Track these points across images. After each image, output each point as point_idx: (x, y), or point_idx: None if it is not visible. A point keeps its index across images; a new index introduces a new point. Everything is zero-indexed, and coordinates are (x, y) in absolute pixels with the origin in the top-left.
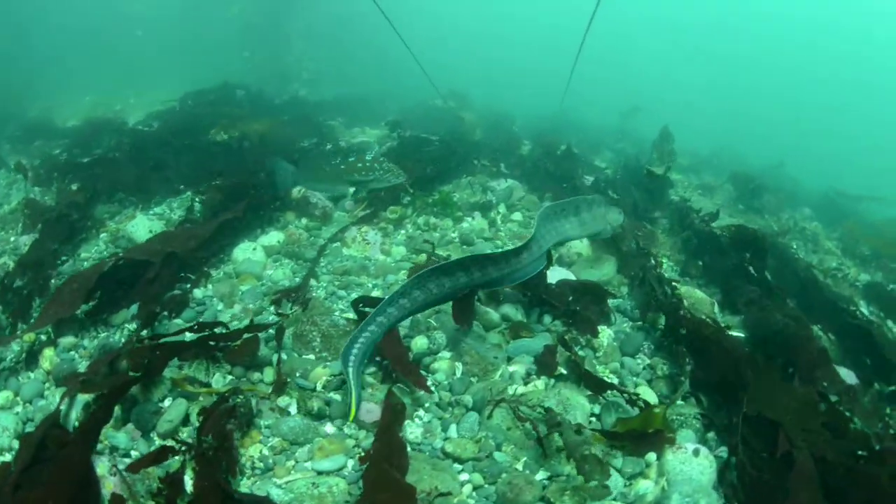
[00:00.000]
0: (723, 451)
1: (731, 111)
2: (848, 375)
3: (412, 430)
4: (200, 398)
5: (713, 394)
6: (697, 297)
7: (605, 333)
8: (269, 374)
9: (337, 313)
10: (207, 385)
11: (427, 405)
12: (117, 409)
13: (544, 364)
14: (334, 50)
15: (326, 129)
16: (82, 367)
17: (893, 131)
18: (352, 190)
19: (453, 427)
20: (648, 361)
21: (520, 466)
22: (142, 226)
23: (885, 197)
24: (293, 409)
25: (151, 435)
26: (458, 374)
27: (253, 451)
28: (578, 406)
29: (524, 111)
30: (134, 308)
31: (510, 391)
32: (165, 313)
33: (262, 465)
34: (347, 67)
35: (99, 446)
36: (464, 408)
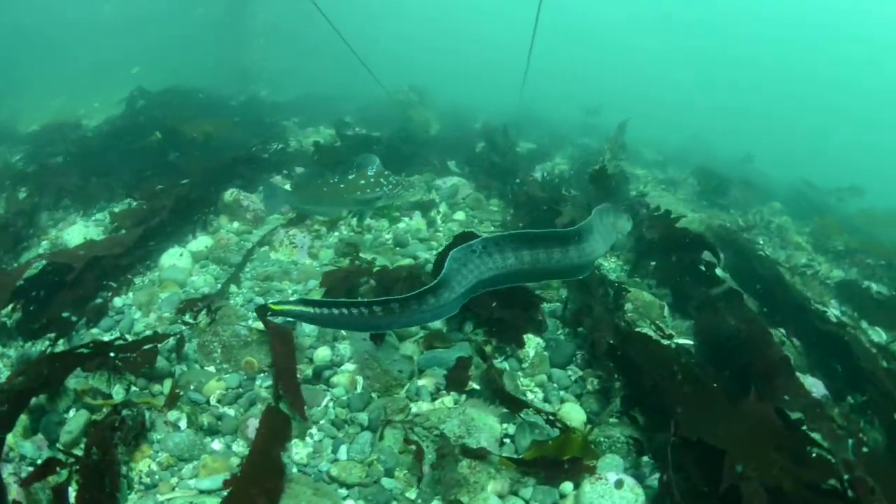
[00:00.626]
0: (656, 481)
1: (709, 107)
2: (815, 386)
3: (299, 451)
4: (104, 409)
5: (650, 412)
6: (646, 301)
7: (533, 343)
8: (168, 386)
9: (251, 321)
10: (109, 396)
11: (321, 422)
12: (26, 419)
13: (454, 379)
14: (298, 48)
15: (279, 129)
16: (4, 376)
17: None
18: (353, 217)
19: (344, 448)
20: (580, 374)
21: (411, 495)
22: (77, 233)
23: (853, 187)
24: (183, 424)
25: (58, 445)
26: (359, 388)
27: (143, 465)
28: (485, 428)
29: (496, 107)
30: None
31: (414, 409)
32: (84, 321)
33: (148, 480)
34: (312, 65)
35: (12, 454)
36: (358, 427)
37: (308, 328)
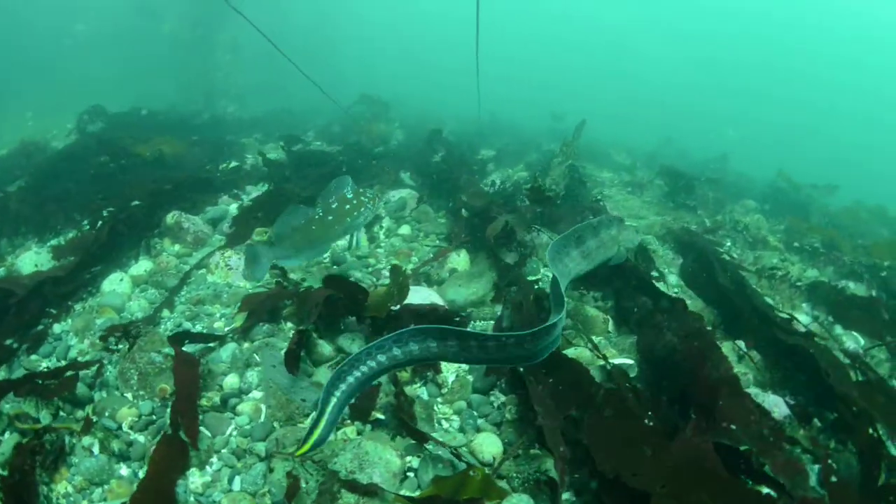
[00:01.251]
0: None
1: (689, 109)
2: (777, 405)
3: (195, 480)
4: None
5: (572, 445)
6: (588, 315)
7: (454, 366)
8: (89, 411)
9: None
10: (38, 421)
11: (222, 451)
12: None
13: (358, 408)
14: (266, 63)
15: (238, 147)
16: None
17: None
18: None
19: (238, 479)
20: (503, 399)
21: None
22: (29, 260)
23: (829, 185)
24: (96, 449)
25: None
26: (262, 418)
27: (61, 487)
28: (380, 462)
29: (469, 115)
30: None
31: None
32: (24, 348)
33: (65, 501)
34: (281, 80)
35: None
36: (256, 457)
37: (225, 354)
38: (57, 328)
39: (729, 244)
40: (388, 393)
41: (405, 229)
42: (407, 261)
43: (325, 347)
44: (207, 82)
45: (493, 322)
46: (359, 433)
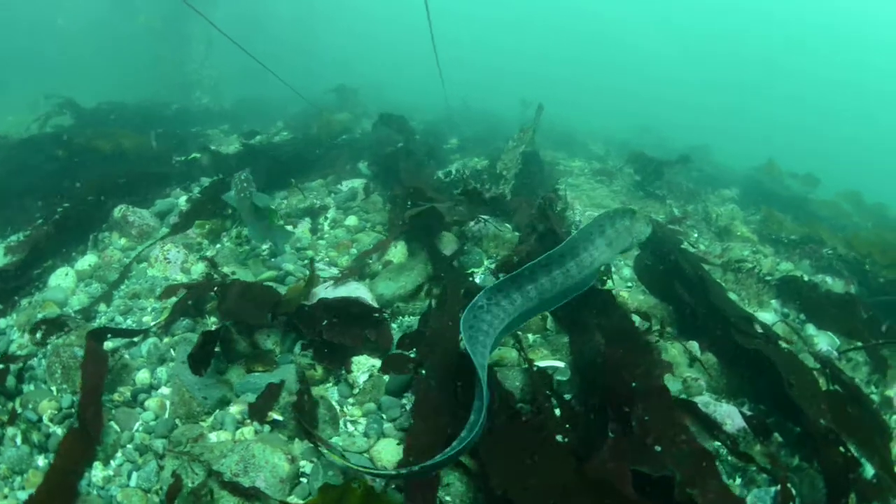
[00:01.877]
0: None
1: (670, 99)
2: (730, 416)
3: (97, 474)
4: None
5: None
6: None
7: (366, 366)
8: (17, 403)
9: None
10: None
11: (127, 446)
12: None
13: (257, 408)
14: (241, 53)
15: (203, 138)
16: None
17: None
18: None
19: (135, 475)
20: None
21: None
22: None
23: (808, 174)
24: (18, 440)
25: None
26: (166, 414)
27: None
28: (267, 466)
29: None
30: None
31: (214, 438)
32: None
33: None
34: (258, 69)
35: None
36: (153, 454)
37: (144, 349)
38: (2, 322)
39: (696, 235)
40: (293, 392)
41: (352, 220)
42: (346, 253)
43: (240, 344)
44: (182, 74)
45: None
46: (256, 433)
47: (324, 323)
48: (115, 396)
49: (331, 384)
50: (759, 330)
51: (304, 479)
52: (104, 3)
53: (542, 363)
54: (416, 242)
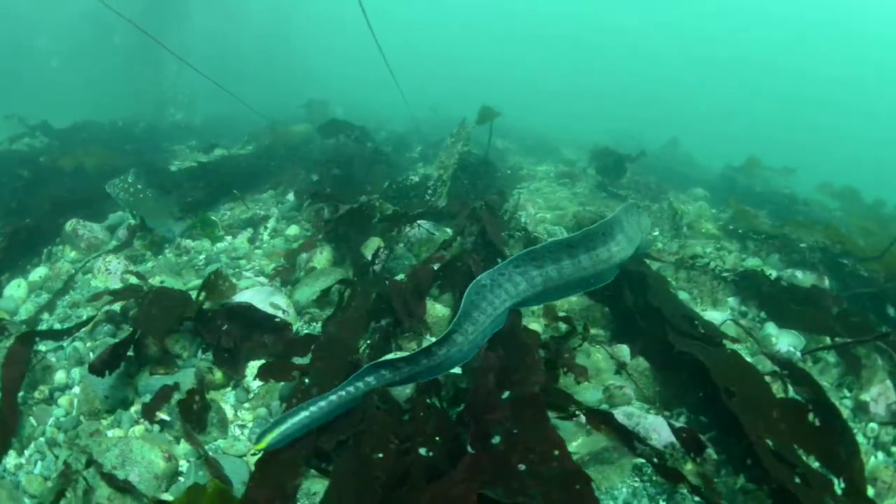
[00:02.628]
0: None
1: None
2: (656, 429)
3: (9, 461)
4: None
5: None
6: (439, 315)
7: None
8: None
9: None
10: None
11: (40, 439)
12: None
13: (148, 408)
14: (215, 68)
15: (167, 154)
16: None
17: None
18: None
19: (40, 464)
20: None
21: None
22: None
23: (771, 167)
24: None
25: None
26: (74, 411)
27: None
28: (142, 462)
29: (422, 116)
30: None
31: (110, 434)
32: None
33: None
34: (233, 85)
35: None
36: (58, 446)
37: (67, 351)
38: None
39: (656, 233)
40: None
41: (293, 229)
42: (278, 261)
43: (151, 349)
44: (157, 92)
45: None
46: (147, 431)
47: (223, 328)
48: (36, 394)
49: (230, 389)
50: (702, 331)
51: (182, 479)
52: (83, 25)
53: None
54: (343, 249)
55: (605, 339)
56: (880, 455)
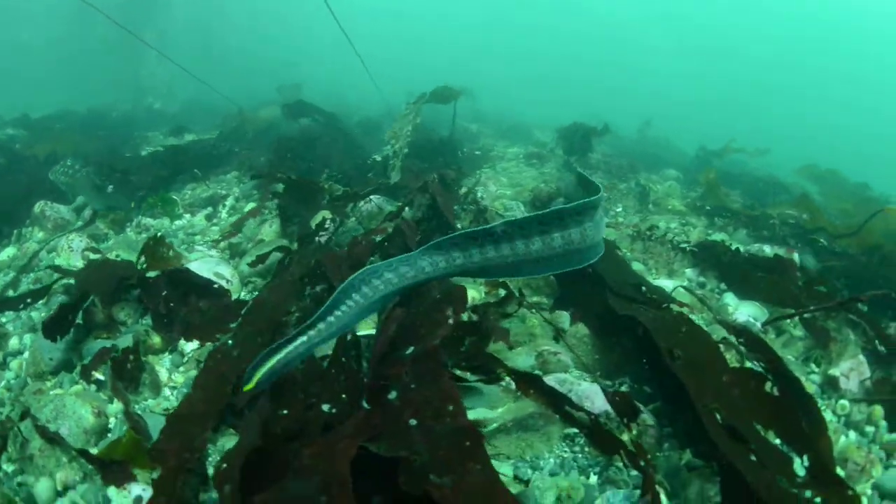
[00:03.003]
0: None
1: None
2: (590, 396)
3: None
4: None
5: None
6: None
7: None
8: None
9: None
10: None
11: None
12: None
13: (85, 369)
14: (195, 57)
15: (139, 140)
16: None
17: None
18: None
19: None
20: None
21: (8, 468)
22: None
23: (744, 148)
24: None
25: None
26: (23, 374)
27: None
28: (73, 416)
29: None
30: None
31: (52, 394)
32: None
33: None
34: (214, 72)
35: None
36: (8, 405)
37: (23, 320)
38: None
39: (620, 209)
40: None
41: (251, 206)
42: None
43: (98, 315)
44: (136, 80)
45: None
46: (84, 390)
47: (163, 294)
48: None
49: (167, 354)
50: (650, 296)
51: (110, 435)
52: (64, 18)
53: (362, 332)
54: (293, 223)
55: (548, 306)
56: (852, 434)
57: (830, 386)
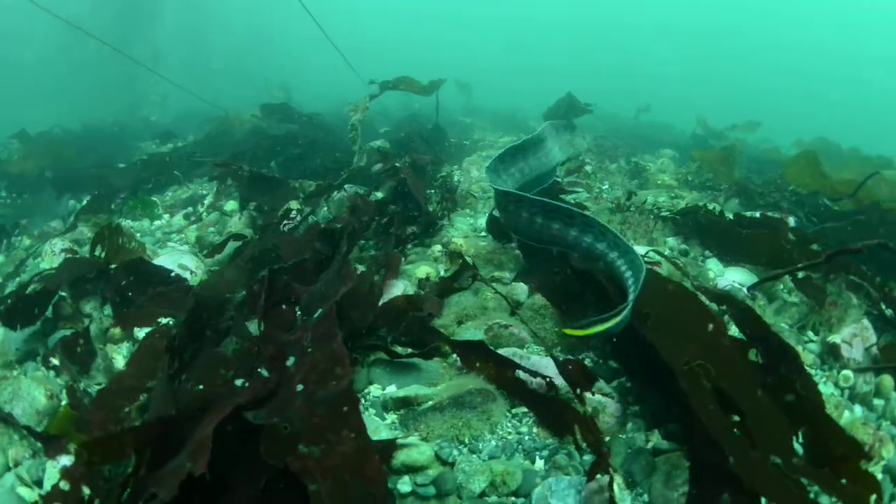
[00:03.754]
0: None
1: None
2: (542, 370)
3: None
4: None
5: None
6: None
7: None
8: None
9: None
10: None
11: None
12: None
13: (45, 356)
14: (190, 64)
15: (133, 150)
16: None
17: None
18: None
19: None
20: None
21: None
22: None
23: (749, 123)
24: None
25: None
26: None
27: None
28: (27, 398)
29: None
30: None
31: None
32: None
33: None
34: (208, 81)
35: None
36: None
37: None
38: None
39: (606, 186)
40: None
41: (231, 204)
42: (206, 232)
43: (67, 308)
44: (131, 93)
45: None
46: (44, 376)
47: (122, 283)
48: None
49: (126, 343)
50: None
51: None
52: (57, 35)
53: None
54: (260, 215)
55: (509, 280)
56: (857, 409)
57: (831, 355)
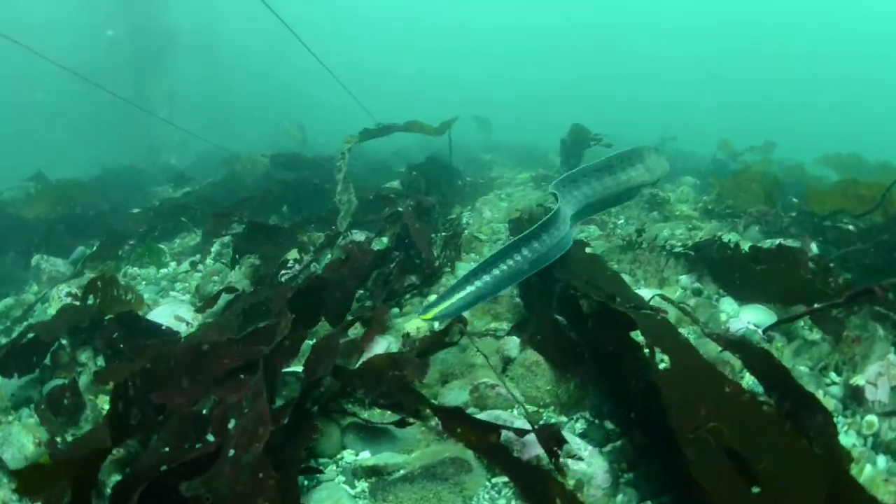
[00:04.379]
0: None
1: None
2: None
3: None
4: None
5: None
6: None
7: None
8: None
9: None
10: None
11: None
12: None
13: (38, 404)
14: (205, 112)
15: (149, 194)
16: None
17: None
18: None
19: None
20: None
21: None
22: None
23: (767, 142)
24: None
25: None
26: None
27: None
28: (17, 444)
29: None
30: None
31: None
32: None
33: None
34: (225, 122)
35: None
36: None
37: None
38: None
39: (622, 220)
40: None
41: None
42: (210, 281)
43: (64, 357)
44: (149, 137)
45: None
46: (36, 424)
47: (114, 336)
48: None
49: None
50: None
51: None
52: (72, 79)
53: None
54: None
55: (503, 333)
56: (881, 460)
57: (854, 398)
